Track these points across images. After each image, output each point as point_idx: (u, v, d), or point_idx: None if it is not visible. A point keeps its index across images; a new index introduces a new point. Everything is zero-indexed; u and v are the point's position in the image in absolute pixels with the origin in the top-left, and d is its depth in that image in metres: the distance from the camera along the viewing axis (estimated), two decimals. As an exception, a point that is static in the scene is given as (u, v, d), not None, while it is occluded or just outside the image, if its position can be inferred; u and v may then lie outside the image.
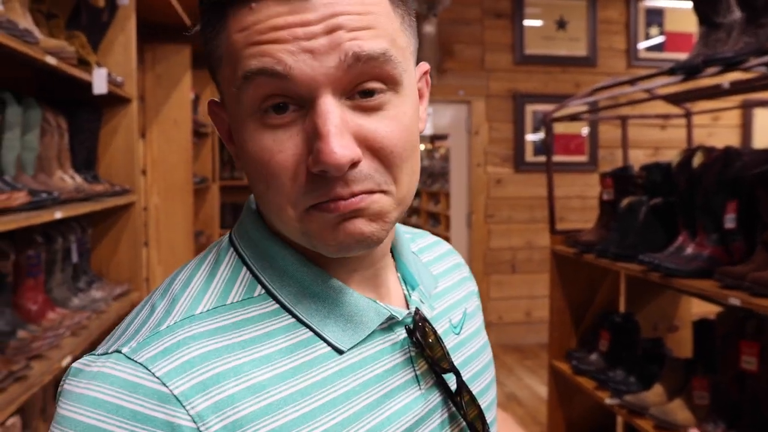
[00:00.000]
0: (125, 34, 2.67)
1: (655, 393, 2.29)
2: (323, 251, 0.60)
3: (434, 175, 10.42)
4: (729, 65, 1.83)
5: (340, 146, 0.53)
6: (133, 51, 2.71)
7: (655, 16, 5.95)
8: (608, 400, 2.46)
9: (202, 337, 0.55)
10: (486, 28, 5.71)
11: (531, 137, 5.77)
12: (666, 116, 3.38)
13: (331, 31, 0.54)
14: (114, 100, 2.64)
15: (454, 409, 0.67)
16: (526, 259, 5.82)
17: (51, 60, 1.87)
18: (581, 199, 5.80)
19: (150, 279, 3.47)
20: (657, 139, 5.96)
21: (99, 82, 2.17)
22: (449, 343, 0.71)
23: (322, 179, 0.55)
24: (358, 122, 0.56)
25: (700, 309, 3.09)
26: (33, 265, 2.03)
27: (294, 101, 0.55)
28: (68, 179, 2.29)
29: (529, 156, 5.77)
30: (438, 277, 0.78)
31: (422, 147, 12.26)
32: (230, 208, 5.40)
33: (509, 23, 5.74)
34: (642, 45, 5.95)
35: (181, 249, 3.64)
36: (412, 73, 0.63)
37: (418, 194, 12.27)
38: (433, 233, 0.84)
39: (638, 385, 2.47)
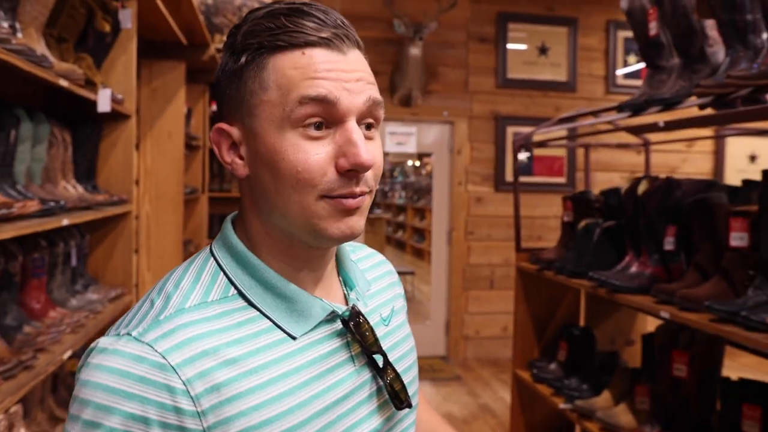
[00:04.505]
0: (127, 55, 2.86)
1: (604, 399, 2.51)
2: (323, 236, 0.80)
3: (421, 191, 10.55)
4: (667, 105, 2.06)
5: (366, 152, 0.78)
6: (134, 71, 2.88)
7: (633, 44, 6.18)
8: (561, 405, 2.68)
9: (191, 325, 0.75)
10: (470, 51, 5.92)
11: (511, 158, 5.99)
12: (626, 145, 3.61)
13: (358, 80, 0.79)
14: (114, 116, 2.81)
15: (381, 382, 0.89)
16: (504, 275, 5.96)
17: (63, 82, 2.07)
18: (559, 219, 6.00)
19: (139, 285, 3.60)
20: (634, 163, 6.14)
21: (103, 101, 2.37)
22: (380, 332, 0.93)
23: (344, 178, 0.79)
24: None
25: (655, 324, 3.31)
26: (38, 267, 2.22)
27: (328, 123, 0.79)
28: (71, 189, 2.49)
29: (509, 176, 5.95)
30: (371, 282, 1.00)
31: (410, 163, 12.43)
32: (218, 219, 5.50)
33: (493, 48, 5.97)
34: (620, 72, 6.19)
35: (170, 257, 3.77)
36: None
37: (404, 209, 12.42)
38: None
39: (590, 392, 2.69)
